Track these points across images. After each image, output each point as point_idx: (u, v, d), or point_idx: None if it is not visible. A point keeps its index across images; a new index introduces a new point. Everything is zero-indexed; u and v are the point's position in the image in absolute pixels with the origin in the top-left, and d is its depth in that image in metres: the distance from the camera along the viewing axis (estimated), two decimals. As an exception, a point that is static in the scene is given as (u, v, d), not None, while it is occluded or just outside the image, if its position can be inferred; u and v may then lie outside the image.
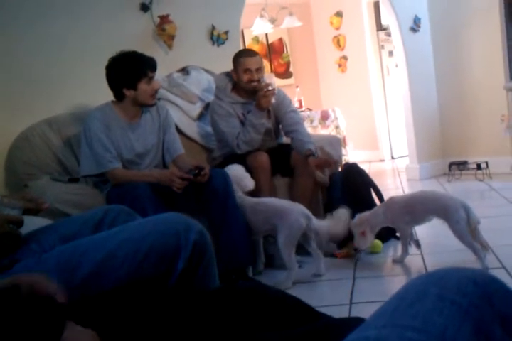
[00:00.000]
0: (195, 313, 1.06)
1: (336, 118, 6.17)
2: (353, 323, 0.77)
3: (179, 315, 1.06)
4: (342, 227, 2.72)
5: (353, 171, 3.41)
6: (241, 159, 3.15)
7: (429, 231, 2.87)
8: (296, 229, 2.71)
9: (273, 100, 3.18)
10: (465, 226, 2.56)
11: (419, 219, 2.80)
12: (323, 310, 1.14)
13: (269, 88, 3.13)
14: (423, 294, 0.69)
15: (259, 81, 3.24)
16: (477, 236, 2.59)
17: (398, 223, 2.85)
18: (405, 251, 2.87)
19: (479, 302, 0.67)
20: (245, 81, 3.24)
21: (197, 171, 2.66)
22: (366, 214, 2.85)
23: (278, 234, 2.73)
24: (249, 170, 3.04)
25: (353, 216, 3.14)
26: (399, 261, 2.88)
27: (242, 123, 3.27)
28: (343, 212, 2.74)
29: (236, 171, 2.95)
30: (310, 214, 2.76)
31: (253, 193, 3.03)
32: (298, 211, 2.75)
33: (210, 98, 3.68)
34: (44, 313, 0.81)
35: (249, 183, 2.97)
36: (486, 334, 0.64)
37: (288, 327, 1.00)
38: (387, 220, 2.85)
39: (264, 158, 3.13)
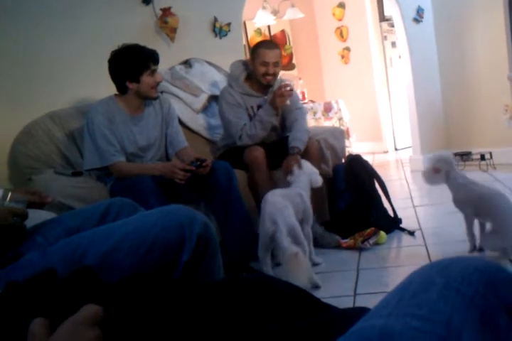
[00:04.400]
0: (199, 305, 1.06)
1: (339, 109, 6.17)
2: (358, 313, 0.77)
3: (184, 307, 1.06)
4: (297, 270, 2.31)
5: (356, 162, 3.40)
6: (240, 153, 3.13)
7: (433, 222, 2.87)
8: (262, 233, 2.54)
9: (288, 102, 3.13)
10: None
11: (481, 218, 2.60)
12: (327, 301, 1.14)
13: (288, 88, 3.09)
14: (428, 283, 0.69)
15: (274, 75, 3.20)
16: None
17: (464, 207, 2.62)
18: (472, 241, 2.63)
19: (484, 290, 0.67)
20: (261, 73, 3.19)
21: (198, 163, 2.66)
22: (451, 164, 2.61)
23: None
24: (245, 164, 3.03)
25: (355, 210, 3.11)
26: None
27: (250, 116, 3.23)
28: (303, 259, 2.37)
29: (310, 164, 2.92)
30: (279, 221, 2.48)
31: (252, 188, 3.03)
32: (267, 214, 2.52)
33: (214, 90, 3.68)
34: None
35: (316, 179, 2.90)
36: (491, 322, 0.64)
37: (293, 318, 1.00)
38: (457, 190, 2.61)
39: (258, 153, 3.06)
